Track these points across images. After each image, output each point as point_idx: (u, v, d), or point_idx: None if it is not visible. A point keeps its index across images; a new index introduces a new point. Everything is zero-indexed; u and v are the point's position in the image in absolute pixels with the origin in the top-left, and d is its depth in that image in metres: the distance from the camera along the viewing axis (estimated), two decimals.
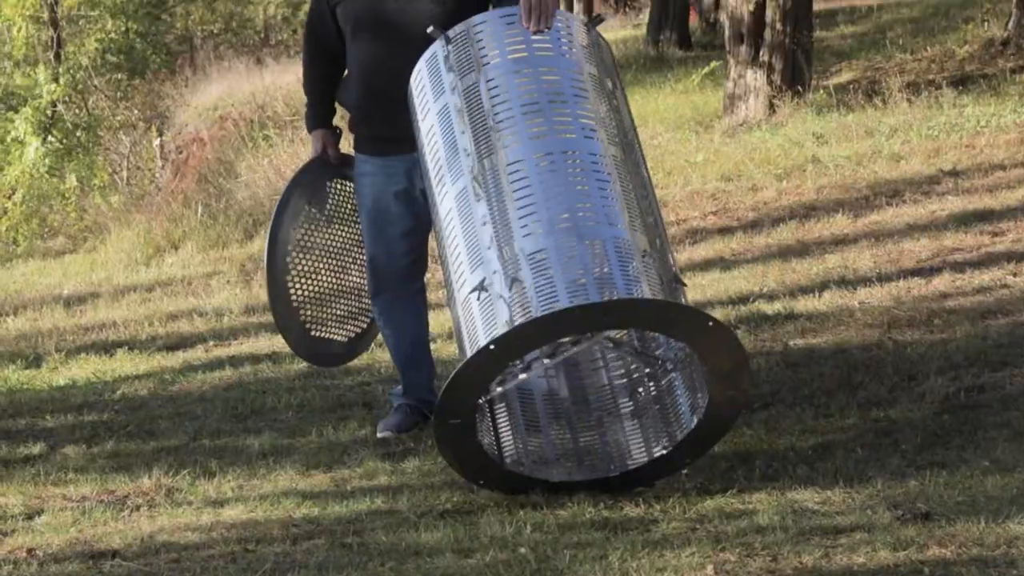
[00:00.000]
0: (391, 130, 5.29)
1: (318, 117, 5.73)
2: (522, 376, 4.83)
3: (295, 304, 5.68)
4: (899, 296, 7.01)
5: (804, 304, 7.10)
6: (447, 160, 4.69)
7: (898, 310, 6.69)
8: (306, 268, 5.70)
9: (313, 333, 5.76)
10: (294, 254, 5.66)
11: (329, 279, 5.78)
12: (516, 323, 4.26)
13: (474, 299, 4.41)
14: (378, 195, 5.47)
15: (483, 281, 4.39)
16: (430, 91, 4.86)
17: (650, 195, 4.75)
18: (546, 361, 4.84)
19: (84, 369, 7.66)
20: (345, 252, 5.82)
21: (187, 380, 7.07)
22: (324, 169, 5.73)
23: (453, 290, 4.57)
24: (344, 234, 5.81)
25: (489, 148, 4.59)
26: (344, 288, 5.83)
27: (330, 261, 5.78)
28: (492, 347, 4.26)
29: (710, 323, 4.36)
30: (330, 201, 5.76)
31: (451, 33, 4.87)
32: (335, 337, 5.84)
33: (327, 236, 5.77)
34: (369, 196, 5.49)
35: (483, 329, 4.35)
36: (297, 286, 5.68)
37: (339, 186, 5.77)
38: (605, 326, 4.57)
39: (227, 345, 7.99)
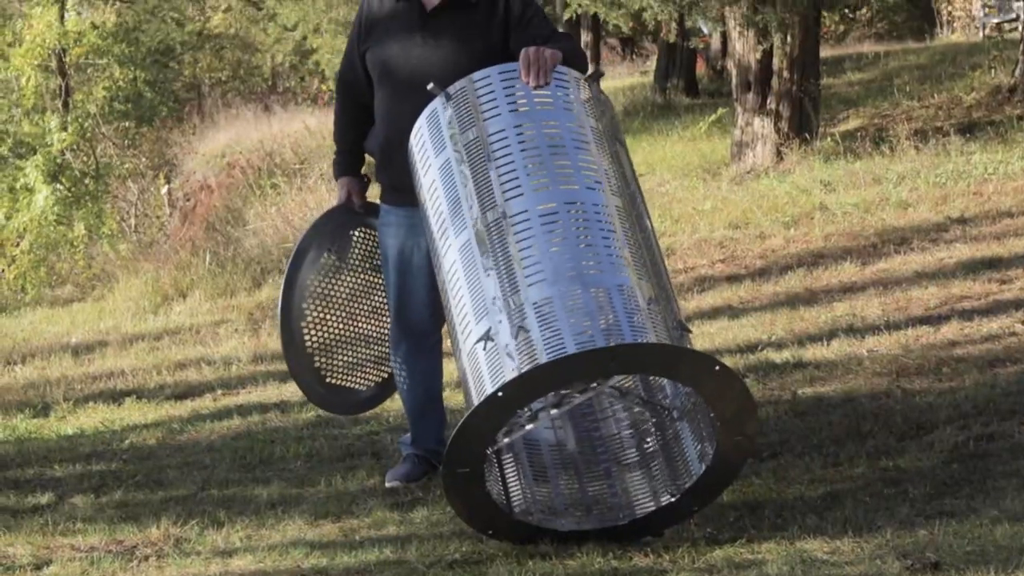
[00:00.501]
0: (410, 179, 5.19)
1: (345, 164, 5.71)
2: (529, 427, 4.83)
3: (309, 351, 5.68)
4: (907, 344, 7.00)
5: (812, 352, 7.10)
6: (450, 214, 4.70)
7: (906, 358, 6.68)
8: (322, 315, 5.68)
9: (328, 380, 5.75)
10: (310, 301, 5.66)
11: (347, 327, 5.76)
12: (523, 370, 4.26)
13: (480, 349, 4.41)
14: (402, 246, 5.44)
15: (489, 331, 4.40)
16: (430, 147, 4.88)
17: (654, 244, 4.76)
18: (553, 411, 4.84)
19: (92, 418, 7.65)
20: (363, 300, 5.80)
21: (195, 429, 7.06)
22: (348, 217, 5.71)
23: (459, 341, 4.58)
24: (364, 282, 5.79)
25: (492, 201, 4.60)
26: (361, 336, 5.81)
27: (348, 309, 5.76)
28: (500, 394, 4.26)
29: (716, 367, 4.37)
30: (352, 249, 5.74)
31: (451, 90, 4.89)
32: (351, 385, 5.82)
33: (346, 284, 5.75)
34: (393, 247, 5.47)
35: (490, 378, 4.35)
36: (312, 333, 5.67)
37: (362, 234, 5.75)
38: (612, 371, 4.57)
39: (235, 394, 7.98)
